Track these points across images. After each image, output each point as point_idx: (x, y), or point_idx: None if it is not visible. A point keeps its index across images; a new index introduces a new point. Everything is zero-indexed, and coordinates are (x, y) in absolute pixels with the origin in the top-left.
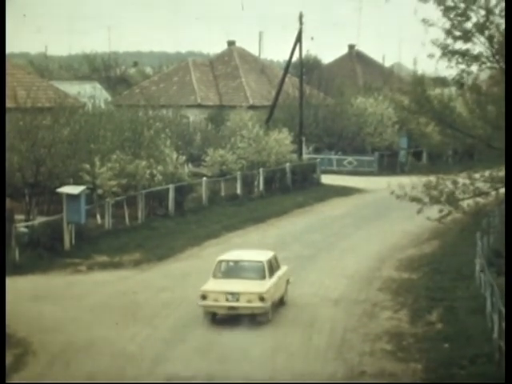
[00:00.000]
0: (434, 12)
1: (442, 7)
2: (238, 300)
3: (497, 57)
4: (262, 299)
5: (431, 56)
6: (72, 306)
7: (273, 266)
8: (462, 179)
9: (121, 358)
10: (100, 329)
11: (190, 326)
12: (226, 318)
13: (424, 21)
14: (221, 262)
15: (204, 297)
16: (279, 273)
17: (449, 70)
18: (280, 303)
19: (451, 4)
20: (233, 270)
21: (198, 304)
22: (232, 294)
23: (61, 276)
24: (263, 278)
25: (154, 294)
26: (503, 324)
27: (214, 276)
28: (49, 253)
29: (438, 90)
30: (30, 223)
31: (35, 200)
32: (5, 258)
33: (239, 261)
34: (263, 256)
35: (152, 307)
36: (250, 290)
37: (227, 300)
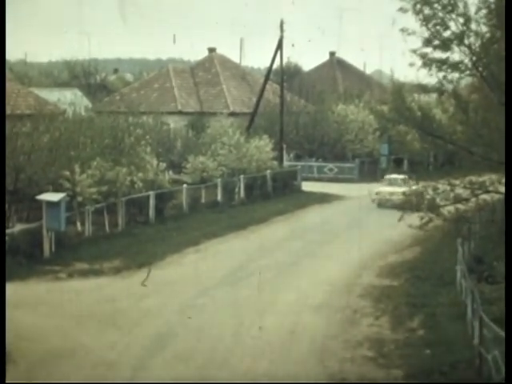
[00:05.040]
0: (414, 20)
1: (421, 16)
2: (392, 195)
3: (477, 64)
4: (404, 194)
5: (412, 65)
6: (52, 313)
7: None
8: (442, 186)
9: (101, 367)
10: (80, 336)
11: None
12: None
13: (403, 30)
14: (385, 179)
15: (377, 193)
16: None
17: (429, 77)
18: None
19: (430, 12)
20: (390, 182)
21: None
22: (389, 193)
23: (40, 283)
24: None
25: (135, 301)
26: (484, 330)
27: (382, 185)
28: (28, 260)
29: (417, 96)
30: (9, 230)
31: (14, 207)
32: (5, 259)
33: (392, 178)
34: (402, 176)
35: (132, 315)
36: (397, 190)
37: (387, 195)
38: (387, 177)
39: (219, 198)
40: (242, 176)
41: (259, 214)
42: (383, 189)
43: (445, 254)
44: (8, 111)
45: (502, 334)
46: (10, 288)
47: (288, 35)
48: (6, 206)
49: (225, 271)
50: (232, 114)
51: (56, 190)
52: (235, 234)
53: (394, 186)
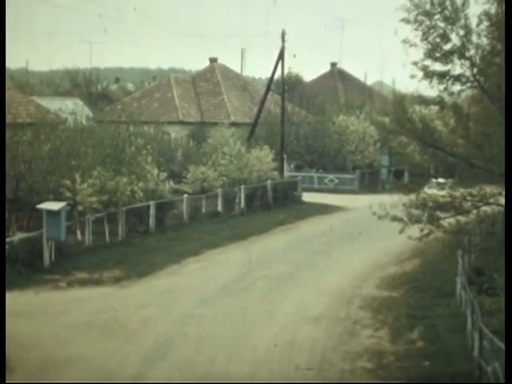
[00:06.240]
0: (416, 32)
1: (422, 28)
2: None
3: (477, 76)
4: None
5: (413, 77)
6: (51, 322)
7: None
8: (442, 198)
9: (100, 376)
10: (79, 346)
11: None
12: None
13: (405, 41)
14: (431, 182)
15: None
16: None
17: (430, 89)
18: None
19: (430, 24)
20: (432, 186)
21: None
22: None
23: (40, 293)
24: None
25: (134, 311)
26: (484, 342)
27: (427, 188)
28: (28, 269)
29: (419, 109)
30: (8, 239)
31: (14, 216)
32: (5, 268)
33: (434, 182)
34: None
35: (132, 324)
36: (439, 193)
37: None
38: (434, 181)
39: (220, 208)
40: (242, 186)
41: (260, 224)
42: (428, 190)
43: (445, 266)
44: (9, 120)
45: (502, 345)
46: (9, 297)
47: (289, 45)
48: (6, 214)
49: (225, 281)
50: (233, 124)
51: (56, 199)
52: (236, 245)
53: (436, 189)
